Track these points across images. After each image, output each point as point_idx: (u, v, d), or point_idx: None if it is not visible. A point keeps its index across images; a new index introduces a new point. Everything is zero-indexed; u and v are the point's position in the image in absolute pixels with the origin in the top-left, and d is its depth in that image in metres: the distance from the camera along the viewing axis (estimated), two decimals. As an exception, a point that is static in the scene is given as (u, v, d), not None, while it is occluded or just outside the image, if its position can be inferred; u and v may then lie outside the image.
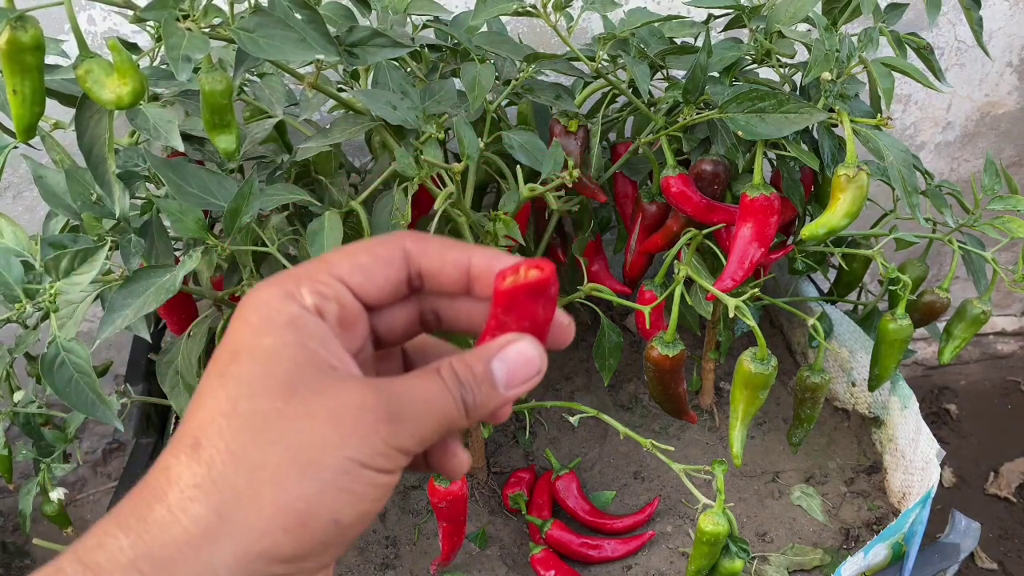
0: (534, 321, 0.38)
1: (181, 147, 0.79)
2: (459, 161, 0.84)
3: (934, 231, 1.13)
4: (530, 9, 0.95)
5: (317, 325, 0.36)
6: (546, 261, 0.37)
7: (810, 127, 0.98)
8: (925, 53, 1.04)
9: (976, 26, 1.05)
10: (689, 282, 1.00)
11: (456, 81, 0.97)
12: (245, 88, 0.96)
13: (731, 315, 0.89)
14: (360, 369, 0.37)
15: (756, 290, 0.95)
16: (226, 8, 0.69)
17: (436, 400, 0.36)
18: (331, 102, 0.90)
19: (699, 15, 1.13)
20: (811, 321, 0.95)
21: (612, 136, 1.18)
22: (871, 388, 1.14)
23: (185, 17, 0.66)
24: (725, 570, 0.92)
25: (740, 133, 0.92)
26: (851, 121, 0.92)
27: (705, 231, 1.00)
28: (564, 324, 0.40)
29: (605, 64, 1.02)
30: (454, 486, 0.98)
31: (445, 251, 0.39)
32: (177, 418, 1.14)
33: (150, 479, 0.34)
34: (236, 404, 0.34)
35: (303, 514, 0.33)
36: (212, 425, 0.34)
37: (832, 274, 1.30)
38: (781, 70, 1.02)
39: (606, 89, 1.08)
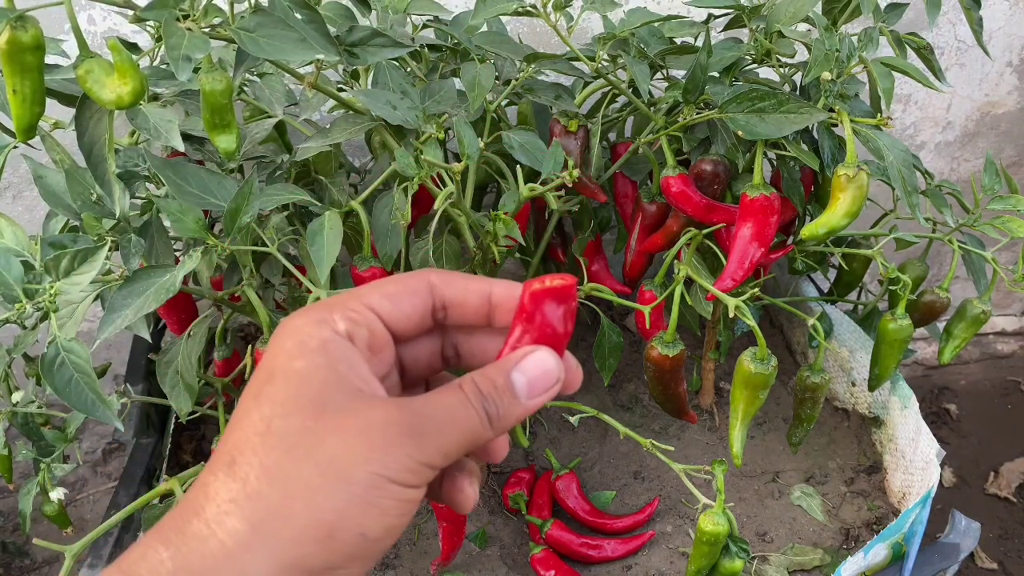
0: (554, 333, 0.39)
1: (181, 147, 0.79)
2: (459, 161, 0.84)
3: (934, 231, 1.13)
4: (530, 9, 0.95)
5: (347, 349, 0.37)
6: (570, 276, 0.39)
7: (810, 127, 0.97)
8: (925, 53, 1.04)
9: (976, 26, 1.05)
10: (689, 282, 1.00)
11: (456, 81, 0.97)
12: (245, 88, 0.96)
13: (731, 315, 0.89)
14: (386, 393, 0.39)
15: (756, 290, 0.95)
16: (226, 8, 0.69)
17: (459, 413, 0.38)
18: (331, 102, 0.90)
19: (699, 15, 1.13)
20: (811, 321, 0.95)
21: (612, 136, 1.18)
22: (871, 388, 1.14)
23: (185, 17, 0.66)
24: (725, 570, 0.92)
25: (740, 133, 0.92)
26: (851, 121, 0.92)
27: (705, 231, 1.00)
28: (573, 367, 0.42)
29: (605, 64, 1.02)
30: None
31: (468, 282, 0.41)
32: (177, 418, 1.14)
33: (189, 496, 0.36)
34: (270, 423, 0.35)
35: (332, 526, 0.34)
36: (247, 444, 0.35)
37: (832, 274, 1.30)
38: (781, 70, 1.02)
39: (606, 89, 1.08)
